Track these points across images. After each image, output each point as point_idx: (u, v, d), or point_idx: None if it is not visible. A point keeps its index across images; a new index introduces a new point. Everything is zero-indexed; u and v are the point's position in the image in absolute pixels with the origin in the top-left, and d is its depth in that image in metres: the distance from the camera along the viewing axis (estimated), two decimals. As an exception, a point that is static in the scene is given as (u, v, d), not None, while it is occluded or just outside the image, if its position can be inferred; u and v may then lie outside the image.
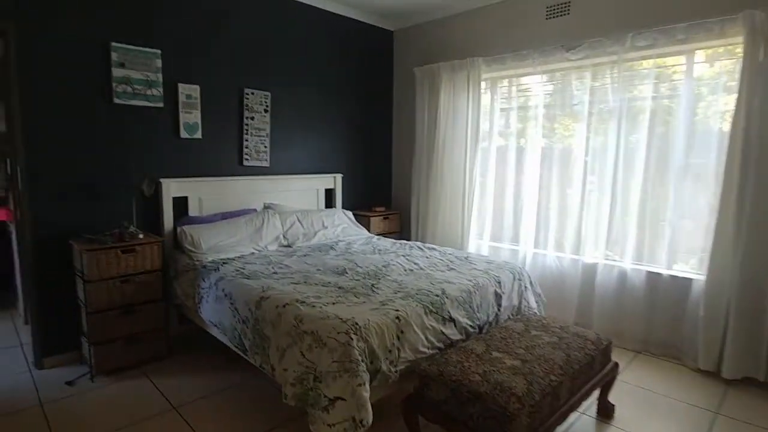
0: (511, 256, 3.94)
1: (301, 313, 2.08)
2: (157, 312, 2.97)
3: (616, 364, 2.38)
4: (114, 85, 2.99)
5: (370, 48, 4.63)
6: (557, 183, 3.70)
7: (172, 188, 3.26)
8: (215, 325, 2.65)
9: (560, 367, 1.98)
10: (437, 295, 2.34)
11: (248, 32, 3.65)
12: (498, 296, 2.69)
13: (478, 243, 4.21)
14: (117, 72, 2.99)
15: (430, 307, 2.24)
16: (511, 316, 2.78)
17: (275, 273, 2.75)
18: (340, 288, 2.44)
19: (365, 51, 4.57)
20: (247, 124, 3.69)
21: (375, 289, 2.42)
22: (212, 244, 3.12)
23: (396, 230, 4.64)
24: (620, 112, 3.26)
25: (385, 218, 4.51)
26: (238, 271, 2.76)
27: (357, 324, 1.95)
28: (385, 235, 4.32)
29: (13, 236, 3.58)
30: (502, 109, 4.07)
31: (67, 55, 2.82)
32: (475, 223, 4.19)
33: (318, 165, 4.28)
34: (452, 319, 2.31)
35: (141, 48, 3.07)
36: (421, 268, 2.88)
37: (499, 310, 2.68)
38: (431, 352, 2.20)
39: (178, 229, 3.17)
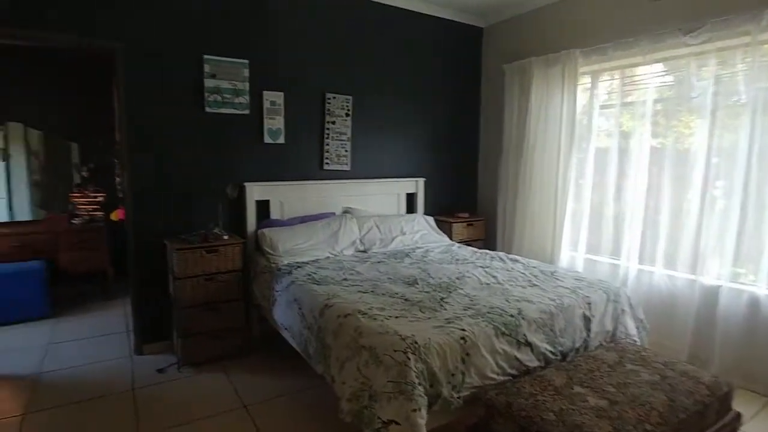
0: (610, 271, 3.48)
1: (361, 326, 1.99)
2: (237, 311, 3.09)
3: (739, 415, 1.94)
4: (206, 95, 3.18)
5: (457, 47, 4.42)
6: (670, 188, 3.17)
7: (255, 192, 3.38)
8: (286, 329, 2.67)
9: (659, 414, 1.64)
10: (512, 316, 2.10)
11: (331, 37, 3.68)
12: (587, 320, 2.35)
13: (572, 255, 3.79)
14: (209, 82, 3.18)
15: (503, 329, 2.01)
16: (604, 344, 2.42)
17: (345, 279, 2.70)
18: (406, 300, 2.31)
19: (452, 50, 4.39)
20: (328, 129, 3.72)
21: (443, 304, 2.25)
22: (289, 247, 3.17)
23: (480, 238, 4.37)
24: (755, 105, 2.69)
25: (468, 225, 4.28)
26: (309, 275, 2.76)
27: (416, 343, 1.80)
28: (467, 243, 4.09)
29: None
30: (602, 106, 3.62)
31: (167, 70, 3.05)
32: (569, 233, 3.78)
33: (400, 168, 4.19)
34: (528, 344, 2.05)
35: (230, 59, 3.24)
36: (499, 282, 2.63)
37: (587, 335, 2.34)
38: (502, 378, 1.97)
39: (258, 232, 3.28)
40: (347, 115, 3.80)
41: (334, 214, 3.70)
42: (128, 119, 2.97)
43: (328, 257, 3.24)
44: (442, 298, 2.33)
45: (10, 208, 4.40)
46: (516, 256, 3.29)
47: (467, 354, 1.87)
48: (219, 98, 3.23)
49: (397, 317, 2.06)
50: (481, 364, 1.90)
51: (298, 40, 3.52)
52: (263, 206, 3.46)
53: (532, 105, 3.88)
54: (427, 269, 2.91)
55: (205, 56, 3.15)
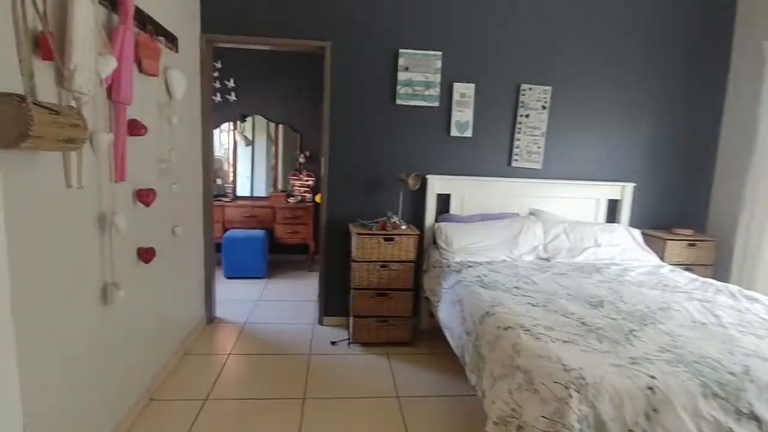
0: None
1: (521, 343, 1.74)
2: (406, 301, 3.13)
3: None
4: (398, 87, 3.28)
5: (696, 21, 3.54)
6: None
7: (436, 185, 3.36)
8: (448, 329, 2.57)
9: None
10: (733, 374, 1.54)
11: (529, 24, 3.36)
12: None
13: None
14: (401, 75, 3.27)
15: (715, 388, 1.48)
16: None
17: (516, 288, 2.44)
18: (583, 324, 1.94)
19: (683, 27, 3.54)
20: (520, 123, 3.43)
21: (632, 338, 1.80)
22: (464, 244, 3.05)
23: (705, 263, 3.45)
24: None
25: (690, 245, 3.42)
26: (478, 277, 2.59)
27: (584, 378, 1.47)
28: (685, 267, 3.27)
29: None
30: None
31: (365, 65, 3.25)
32: None
33: (602, 171, 3.60)
34: (755, 417, 1.47)
35: (424, 52, 3.26)
36: (722, 325, 1.99)
37: None
38: (708, 454, 1.46)
39: (435, 225, 3.25)
40: (543, 108, 3.43)
41: (517, 215, 3.41)
42: (331, 110, 3.28)
43: (504, 261, 3.00)
44: (631, 330, 1.87)
45: (252, 185, 5.42)
46: (756, 294, 2.45)
47: (654, 410, 1.44)
48: (410, 91, 3.29)
49: (565, 342, 1.74)
50: (674, 426, 1.44)
51: (492, 27, 3.32)
52: (443, 200, 3.42)
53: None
54: (620, 291, 2.41)
55: (401, 50, 3.24)
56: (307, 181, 5.15)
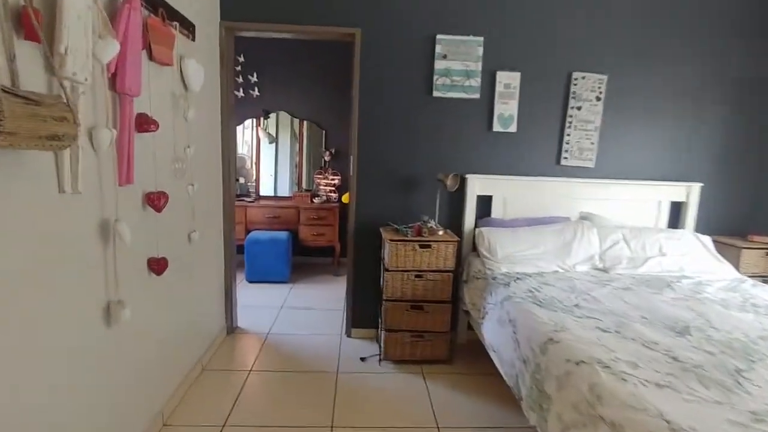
0: None
1: (601, 385, 1.41)
2: (443, 314, 2.81)
3: None
4: (435, 78, 2.96)
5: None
6: None
7: (476, 185, 3.03)
8: (494, 351, 2.25)
9: None
10: None
11: (582, 2, 2.98)
12: None
13: None
14: (439, 64, 2.95)
15: None
16: None
17: (577, 306, 2.10)
18: (674, 359, 1.59)
19: (756, 8, 3.10)
20: (570, 116, 3.07)
21: (742, 380, 1.45)
22: (509, 252, 2.72)
23: (789, 275, 3.03)
24: None
25: (769, 254, 3.01)
26: (530, 292, 2.26)
27: (699, 444, 1.14)
28: (764, 279, 2.86)
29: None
30: None
31: (398, 54, 2.95)
32: None
33: (664, 169, 3.20)
34: None
35: (464, 37, 2.92)
36: None
37: None
38: None
39: (476, 231, 2.92)
40: (598, 99, 3.06)
41: (568, 219, 3.06)
42: (360, 104, 2.99)
43: (556, 272, 2.66)
44: (738, 370, 1.52)
45: (275, 184, 5.18)
46: None
47: (798, 488, 1.10)
48: (448, 81, 2.97)
49: (659, 385, 1.40)
50: None
51: (540, 8, 2.96)
52: (484, 202, 3.08)
53: None
54: (705, 313, 2.04)
55: (438, 36, 2.92)
56: (332, 180, 4.88)
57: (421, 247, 2.73)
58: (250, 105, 4.89)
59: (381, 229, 2.96)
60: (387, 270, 2.75)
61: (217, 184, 2.94)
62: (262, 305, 3.78)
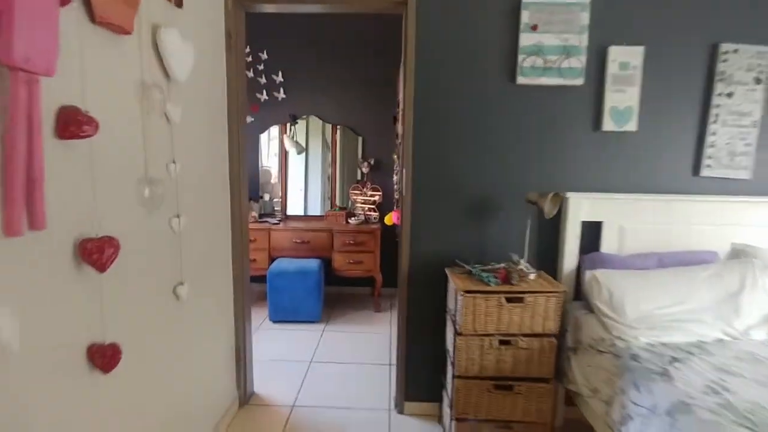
0: None
1: None
2: (543, 398, 1.93)
3: None
4: (520, 58, 2.11)
5: None
6: None
7: (582, 208, 2.14)
8: (655, 489, 1.36)
9: None
10: None
11: (742, -56, 2.08)
12: None
13: None
14: (526, 39, 2.10)
15: None
16: None
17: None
18: None
19: None
20: (717, 106, 2.14)
21: None
22: (645, 310, 1.81)
23: None
24: None
25: None
26: (714, 393, 1.35)
27: None
28: None
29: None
30: None
31: (471, 29, 2.12)
32: None
33: None
34: None
35: (562, 0, 2.07)
36: None
37: None
38: None
39: (587, 274, 2.03)
40: (758, 81, 2.13)
41: (715, 254, 2.12)
42: (416, 98, 2.17)
43: (721, 340, 1.74)
44: None
45: (305, 201, 4.42)
46: None
47: None
48: (539, 62, 2.11)
49: None
50: None
51: (679, -45, 2.08)
52: (591, 231, 2.19)
53: None
54: None
55: (525, 0, 2.08)
56: (372, 196, 4.08)
57: (510, 300, 1.86)
58: (275, 109, 4.17)
59: (447, 271, 2.11)
60: (459, 334, 1.90)
61: (222, 210, 2.17)
62: (287, 358, 2.99)
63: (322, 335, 3.38)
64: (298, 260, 3.71)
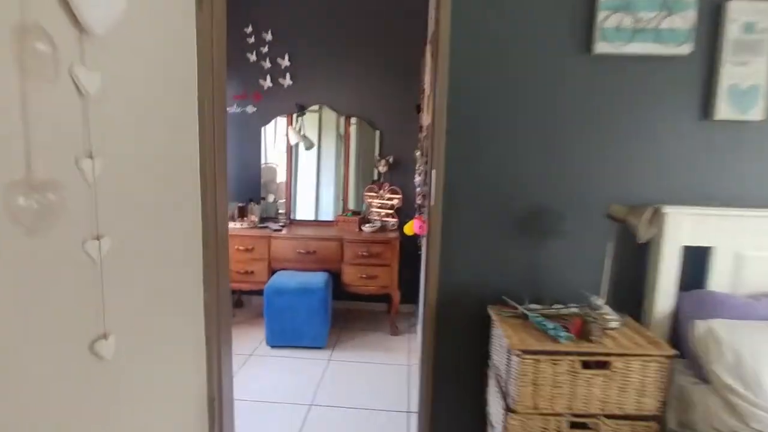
0: None
1: None
2: (630, 503, 1.33)
3: None
4: (599, 16, 1.51)
5: None
6: None
7: (683, 227, 1.52)
8: None
9: None
10: None
11: None
12: None
13: None
14: (610, -11, 1.50)
15: None
16: None
17: None
18: None
19: None
20: None
21: None
22: (795, 388, 1.20)
23: None
24: None
25: None
26: None
27: None
28: None
29: (422, 253, 2.84)
30: None
31: (529, -32, 1.53)
32: None
33: None
34: None
35: (666, -70, 1.46)
36: None
37: None
38: None
39: (699, 326, 1.41)
40: None
41: None
42: (451, 81, 1.59)
43: None
44: None
45: (317, 204, 3.87)
46: None
47: None
48: (627, 22, 1.50)
49: None
50: None
51: None
52: (693, 259, 1.57)
53: None
54: None
55: (613, -70, 1.47)
56: (390, 199, 3.51)
57: (588, 366, 1.27)
58: (281, 98, 3.63)
59: (491, 312, 1.53)
60: (512, 411, 1.31)
61: (188, 220, 1.62)
62: (282, 399, 2.44)
63: (327, 366, 2.83)
64: (302, 274, 3.17)
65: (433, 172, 1.63)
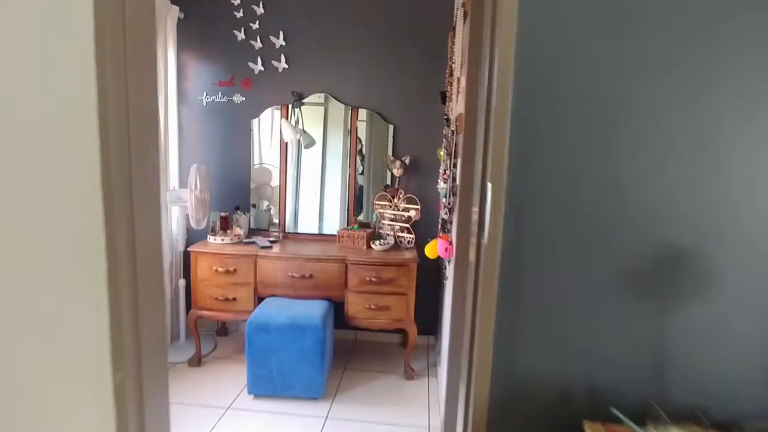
0: None
1: None
2: None
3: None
4: None
5: None
6: None
7: None
8: None
9: None
10: None
11: None
12: None
13: None
14: None
15: None
16: None
17: None
18: None
19: None
20: None
21: None
22: None
23: None
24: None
25: None
26: None
27: None
28: None
29: (447, 282, 2.18)
30: None
31: None
32: None
33: None
34: None
35: None
36: None
37: None
38: None
39: None
40: None
41: None
42: (521, 42, 0.92)
43: None
44: None
45: (320, 214, 3.22)
46: None
47: None
48: None
49: None
50: None
51: None
52: None
53: None
54: None
55: None
56: (406, 210, 2.85)
57: None
58: (274, 84, 3.00)
59: (595, 442, 0.86)
60: None
61: (77, 253, 0.97)
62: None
63: (323, 426, 2.18)
64: (295, 303, 2.53)
65: (488, 187, 0.96)
